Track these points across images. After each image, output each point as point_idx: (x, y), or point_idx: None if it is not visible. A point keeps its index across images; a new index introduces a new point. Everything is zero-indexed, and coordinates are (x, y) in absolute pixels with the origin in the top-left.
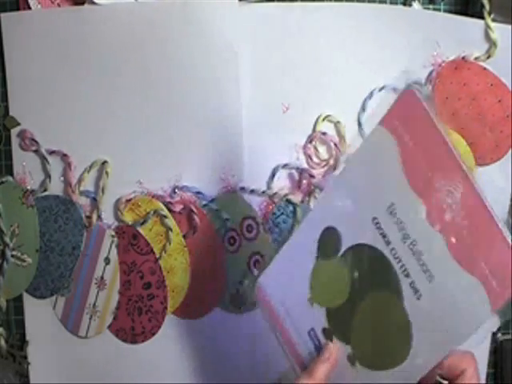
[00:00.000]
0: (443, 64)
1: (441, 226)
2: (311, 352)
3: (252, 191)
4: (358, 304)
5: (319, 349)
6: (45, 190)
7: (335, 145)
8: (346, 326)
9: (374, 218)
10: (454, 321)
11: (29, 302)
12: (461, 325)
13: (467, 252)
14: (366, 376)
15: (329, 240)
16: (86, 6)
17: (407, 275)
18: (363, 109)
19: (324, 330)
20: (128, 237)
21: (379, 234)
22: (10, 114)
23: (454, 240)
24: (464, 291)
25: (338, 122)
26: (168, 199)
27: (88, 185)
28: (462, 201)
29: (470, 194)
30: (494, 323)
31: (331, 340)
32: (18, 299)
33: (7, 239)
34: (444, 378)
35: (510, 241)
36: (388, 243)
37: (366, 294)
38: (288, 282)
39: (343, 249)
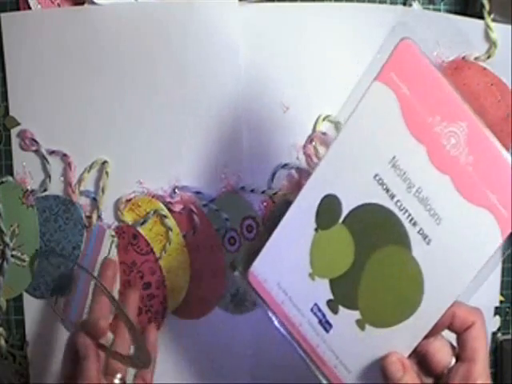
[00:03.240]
0: (443, 64)
1: (446, 167)
2: (315, 328)
3: (252, 191)
4: (364, 265)
5: (324, 323)
6: (45, 190)
7: None
8: (352, 292)
9: (376, 175)
10: (465, 256)
11: (29, 302)
12: (472, 258)
13: (474, 186)
14: (377, 336)
15: (328, 209)
16: (86, 5)
17: (414, 224)
18: None
19: (328, 302)
20: (128, 237)
21: (383, 189)
22: (10, 114)
23: (460, 178)
24: (473, 224)
25: (338, 122)
26: (168, 199)
27: (88, 185)
28: (467, 139)
29: (474, 130)
30: (494, 323)
31: (337, 312)
32: (18, 299)
33: (7, 239)
34: (452, 331)
35: None
36: (392, 197)
37: (373, 253)
38: (285, 261)
39: (344, 214)
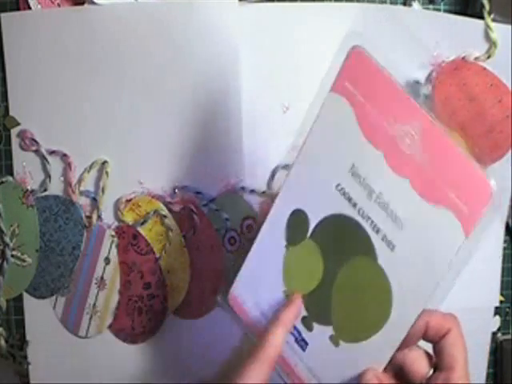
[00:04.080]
0: (443, 64)
1: (403, 169)
2: (292, 347)
3: (252, 191)
4: (334, 279)
5: (300, 341)
6: (45, 190)
7: None
8: (324, 307)
9: (338, 185)
10: (430, 258)
11: (29, 302)
12: (437, 260)
13: (433, 186)
14: (351, 351)
15: (296, 224)
16: (86, 5)
17: (378, 231)
18: None
19: (303, 320)
20: (128, 237)
21: (345, 199)
22: (10, 114)
23: (417, 179)
24: (435, 225)
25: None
26: (168, 199)
27: (88, 185)
28: (422, 138)
29: (428, 129)
30: (494, 323)
31: (311, 329)
32: (18, 299)
33: (7, 239)
34: (428, 341)
35: (473, 163)
36: (355, 205)
37: (342, 265)
38: (261, 281)
39: (311, 228)
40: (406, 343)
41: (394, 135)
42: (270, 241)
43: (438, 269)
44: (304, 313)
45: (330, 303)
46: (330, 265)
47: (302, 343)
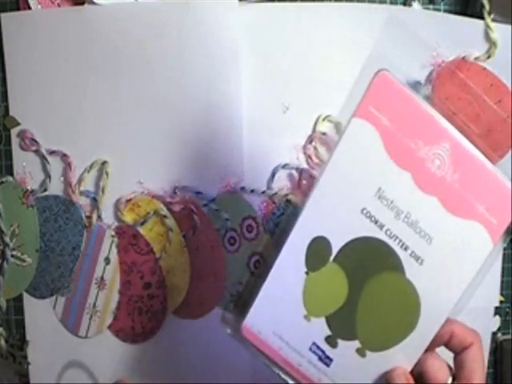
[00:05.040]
0: (443, 64)
1: (432, 188)
2: (316, 365)
3: (252, 191)
4: (359, 296)
5: (324, 359)
6: (45, 190)
7: None
8: (350, 324)
9: (363, 209)
10: (458, 268)
11: (29, 302)
12: (464, 269)
13: (462, 201)
14: (378, 359)
15: (316, 251)
16: (86, 5)
17: (406, 248)
18: None
19: (327, 339)
20: (128, 237)
21: (371, 222)
22: (10, 114)
23: (446, 196)
24: (464, 237)
25: (338, 122)
26: (168, 199)
27: (88, 185)
28: (451, 158)
29: (456, 149)
30: (494, 323)
31: (336, 346)
32: (18, 299)
33: (7, 239)
34: (450, 349)
35: (499, 175)
36: (382, 227)
37: (366, 282)
38: (278, 309)
39: (334, 253)
40: (430, 347)
41: (423, 157)
42: (288, 270)
43: (466, 277)
44: (328, 332)
45: (355, 319)
46: (354, 284)
47: (327, 360)
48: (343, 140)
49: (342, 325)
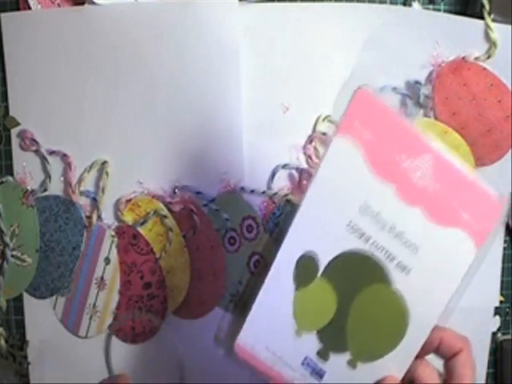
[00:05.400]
0: (443, 64)
1: (415, 199)
2: (308, 378)
3: (252, 191)
4: (348, 309)
5: (317, 372)
6: (45, 190)
7: None
8: (340, 337)
9: (349, 223)
10: (444, 275)
11: (29, 302)
12: (450, 275)
13: (445, 210)
14: (369, 370)
15: (305, 268)
16: (86, 5)
17: (392, 259)
18: None
19: (318, 352)
20: (128, 237)
21: (357, 235)
22: (10, 114)
23: (430, 206)
24: (449, 245)
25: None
26: (168, 199)
27: (88, 185)
28: (433, 170)
29: (437, 160)
30: (494, 323)
31: (327, 359)
32: (18, 299)
33: (7, 239)
34: (440, 356)
35: (481, 183)
36: (367, 239)
37: (355, 295)
38: (270, 326)
39: (322, 267)
40: (419, 354)
41: (406, 169)
42: (278, 286)
43: (453, 282)
44: (319, 346)
45: (345, 332)
46: (343, 297)
47: (320, 373)
48: (327, 156)
49: (332, 338)
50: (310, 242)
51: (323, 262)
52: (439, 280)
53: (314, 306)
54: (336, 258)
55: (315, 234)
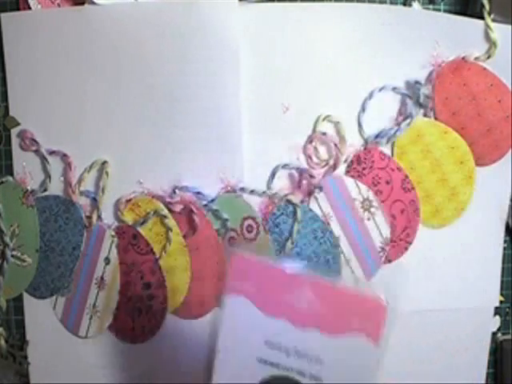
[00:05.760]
0: (443, 64)
1: (308, 323)
2: None
3: (252, 191)
4: None
5: None
6: (45, 190)
7: (335, 145)
8: None
9: (258, 358)
10: (353, 375)
11: (29, 301)
12: (359, 375)
13: (338, 323)
14: None
15: None
16: (86, 5)
17: (303, 374)
18: (363, 109)
19: None
20: (128, 237)
21: (267, 365)
22: (10, 114)
23: (324, 324)
24: (349, 349)
25: (338, 122)
26: (168, 199)
27: (88, 185)
28: (315, 296)
29: (317, 287)
30: (494, 323)
31: None
32: (18, 299)
33: (7, 239)
34: None
35: (362, 292)
36: (278, 365)
37: None
38: None
39: None
40: None
41: (292, 302)
42: None
43: (364, 378)
44: None
45: None
46: None
47: None
48: (225, 317)
49: None
50: (233, 378)
51: None
52: (351, 379)
53: None
54: None
55: (235, 373)
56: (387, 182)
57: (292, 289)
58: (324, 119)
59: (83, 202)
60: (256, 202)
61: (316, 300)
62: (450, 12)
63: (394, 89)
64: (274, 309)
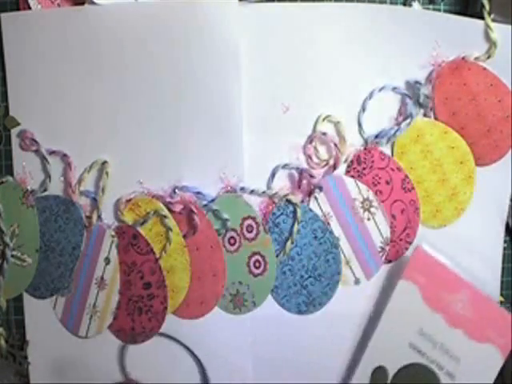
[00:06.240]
0: (443, 64)
1: (458, 323)
2: None
3: (252, 191)
4: None
5: None
6: (45, 190)
7: (335, 145)
8: None
9: (410, 344)
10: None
11: (29, 301)
12: (482, 377)
13: (479, 330)
14: None
15: (378, 378)
16: (86, 6)
17: (441, 368)
18: (363, 109)
19: None
20: (128, 237)
21: (416, 352)
22: (10, 114)
23: (469, 327)
24: (482, 356)
25: (338, 122)
26: (168, 199)
27: (88, 185)
28: (470, 301)
29: (473, 294)
30: None
31: None
32: (18, 299)
33: (7, 239)
34: None
35: (503, 309)
36: (423, 355)
37: None
38: None
39: (390, 378)
40: None
41: (450, 302)
42: None
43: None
44: None
45: None
46: None
47: None
48: (393, 299)
49: None
50: (382, 358)
51: (391, 373)
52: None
53: None
54: (400, 369)
55: (386, 352)
56: (387, 182)
57: (454, 290)
58: (324, 119)
59: (83, 201)
60: (256, 202)
61: (470, 305)
62: (450, 12)
63: (394, 89)
64: (436, 304)
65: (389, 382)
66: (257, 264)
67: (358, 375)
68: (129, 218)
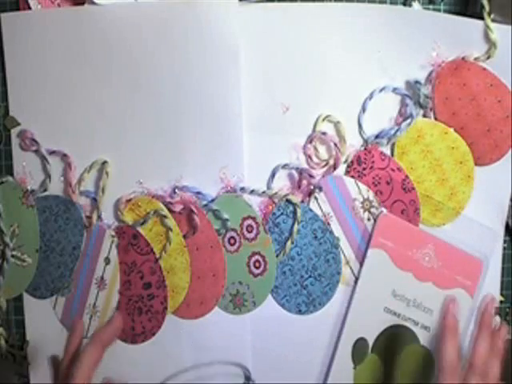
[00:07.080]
0: (443, 64)
1: (426, 277)
2: None
3: (252, 191)
4: (392, 370)
5: None
6: (45, 190)
7: (335, 145)
8: None
9: (385, 308)
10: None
11: (29, 301)
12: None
13: (448, 278)
14: None
15: (360, 348)
16: (86, 5)
17: (417, 323)
18: (363, 109)
19: None
20: (128, 237)
21: (391, 314)
22: (10, 114)
23: (437, 278)
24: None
25: (338, 122)
26: (168, 199)
27: (88, 185)
28: (435, 253)
29: (438, 246)
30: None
31: None
32: (18, 299)
33: (7, 239)
34: None
35: (467, 251)
36: (399, 315)
37: (396, 359)
38: None
39: (370, 346)
40: None
41: (418, 258)
42: (341, 367)
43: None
44: None
45: None
46: (387, 363)
47: None
48: (364, 268)
49: None
50: (361, 328)
51: (370, 341)
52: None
53: (368, 378)
54: (379, 335)
55: (364, 322)
56: (387, 183)
57: (420, 245)
58: (324, 119)
59: (83, 201)
60: (256, 202)
61: (436, 257)
62: (449, 12)
63: (394, 89)
64: (405, 263)
65: (369, 351)
66: (257, 264)
67: (340, 351)
68: (129, 218)
